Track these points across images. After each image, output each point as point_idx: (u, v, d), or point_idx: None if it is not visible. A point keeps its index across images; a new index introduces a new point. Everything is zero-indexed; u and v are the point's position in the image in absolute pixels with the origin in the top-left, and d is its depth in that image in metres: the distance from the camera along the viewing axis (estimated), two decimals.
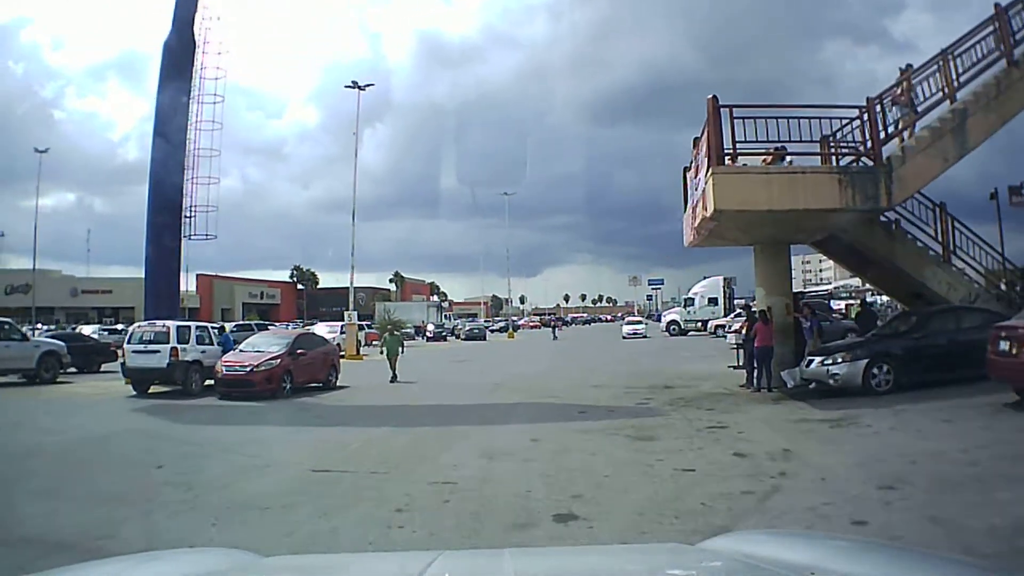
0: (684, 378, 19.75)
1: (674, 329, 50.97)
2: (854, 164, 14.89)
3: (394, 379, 21.56)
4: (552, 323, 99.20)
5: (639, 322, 54.45)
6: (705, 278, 51.59)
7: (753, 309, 18.79)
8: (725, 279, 51.11)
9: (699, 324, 49.79)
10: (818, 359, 14.74)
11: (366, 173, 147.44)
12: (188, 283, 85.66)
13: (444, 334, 63.26)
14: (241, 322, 55.33)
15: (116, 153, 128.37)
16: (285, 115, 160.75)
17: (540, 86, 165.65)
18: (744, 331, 18.53)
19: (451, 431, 12.38)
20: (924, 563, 2.06)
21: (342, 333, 36.79)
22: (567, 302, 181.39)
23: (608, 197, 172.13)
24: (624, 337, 47.73)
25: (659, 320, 62.88)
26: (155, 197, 22.32)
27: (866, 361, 14.07)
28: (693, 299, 50.66)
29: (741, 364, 18.58)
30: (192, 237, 26.69)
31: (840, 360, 14.34)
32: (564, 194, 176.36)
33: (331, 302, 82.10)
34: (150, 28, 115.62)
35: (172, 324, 18.93)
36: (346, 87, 36.65)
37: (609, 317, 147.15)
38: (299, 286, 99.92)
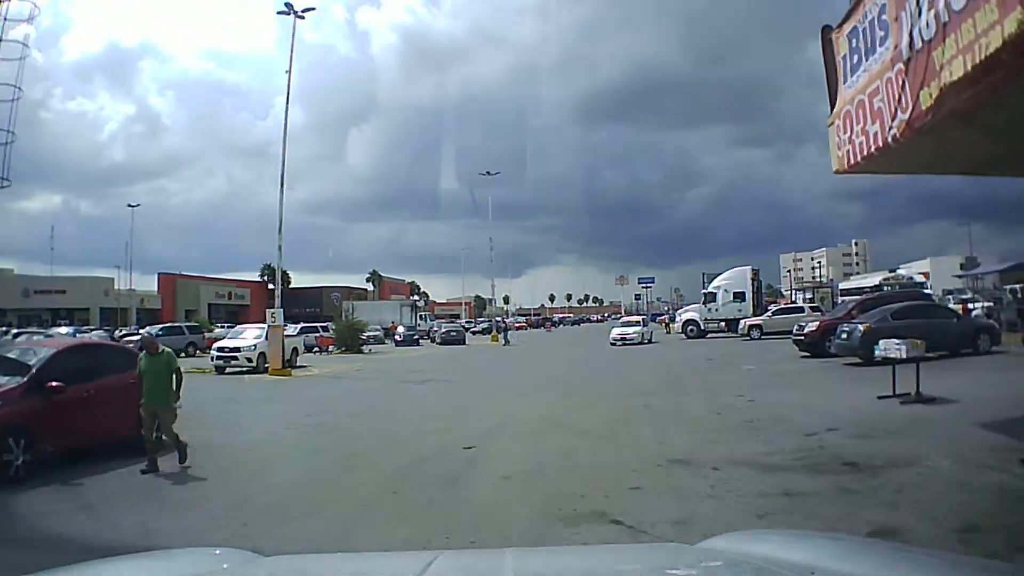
0: (844, 428, 10.31)
1: (692, 331, 41.61)
2: None
3: (181, 457, 9.37)
4: (539, 323, 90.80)
5: (634, 324, 41.89)
6: (730, 269, 42.29)
7: None
8: (753, 270, 41.86)
9: (722, 324, 40.57)
10: None
11: (351, 174, 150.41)
12: (149, 283, 77.81)
13: (416, 337, 53.45)
14: (169, 324, 46.31)
15: (102, 155, 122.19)
16: (270, 116, 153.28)
17: (526, 86, 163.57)
18: None
19: None
20: (924, 563, 2.04)
21: (265, 339, 27.08)
22: (552, 302, 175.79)
23: (593, 197, 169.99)
24: (612, 343, 37.38)
25: (654, 321, 53.74)
26: None
27: None
28: (715, 294, 41.22)
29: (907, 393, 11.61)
30: None
31: None
32: (549, 194, 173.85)
33: (304, 302, 77.86)
34: None
35: None
36: (279, 13, 27.03)
37: (598, 317, 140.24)
38: (270, 286, 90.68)
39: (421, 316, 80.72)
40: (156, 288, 77.59)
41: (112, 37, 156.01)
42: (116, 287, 69.68)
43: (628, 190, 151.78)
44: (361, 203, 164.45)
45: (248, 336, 28.12)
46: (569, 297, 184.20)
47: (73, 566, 2.26)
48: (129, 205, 71.48)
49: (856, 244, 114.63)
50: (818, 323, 23.15)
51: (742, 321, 36.53)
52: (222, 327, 50.16)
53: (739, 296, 40.50)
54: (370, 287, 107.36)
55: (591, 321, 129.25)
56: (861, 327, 19.39)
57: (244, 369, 26.10)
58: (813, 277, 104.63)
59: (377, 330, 51.45)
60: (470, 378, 23.42)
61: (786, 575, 1.77)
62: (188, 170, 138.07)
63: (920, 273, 47.90)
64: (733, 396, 14.73)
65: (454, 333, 52.55)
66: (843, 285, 44.37)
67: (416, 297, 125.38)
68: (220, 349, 27.46)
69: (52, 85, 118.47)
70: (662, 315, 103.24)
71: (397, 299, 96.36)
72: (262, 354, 26.23)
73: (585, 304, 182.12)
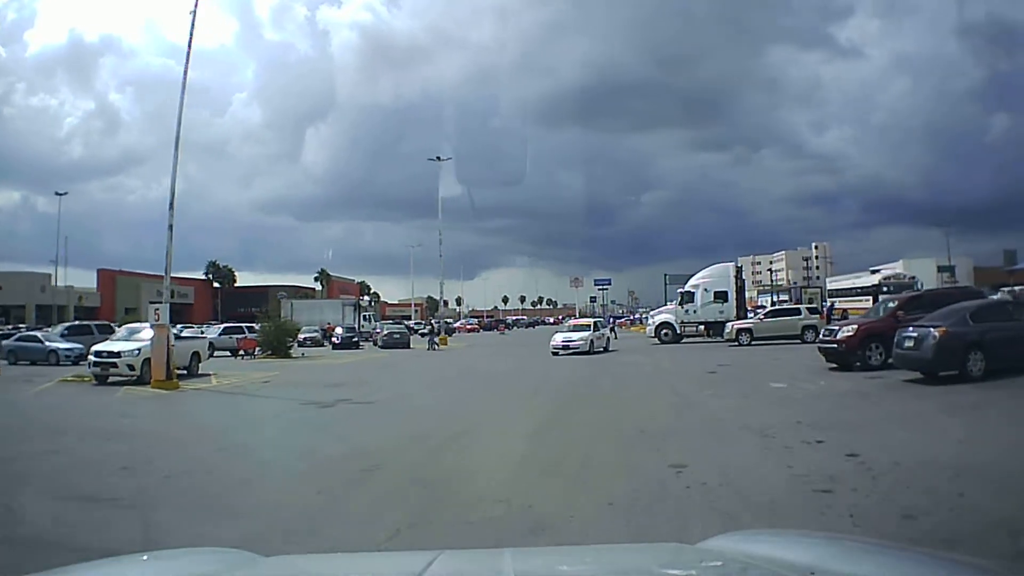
0: None
1: (667, 335, 36.07)
2: None
3: None
4: (492, 325, 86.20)
5: (582, 328, 32.28)
6: (709, 266, 36.87)
7: None
8: (736, 267, 36.58)
9: (700, 327, 35.19)
10: None
11: (307, 173, 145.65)
12: (88, 279, 73.08)
13: (356, 339, 47.05)
14: (77, 323, 39.64)
15: (61, 150, 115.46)
16: (227, 113, 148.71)
17: (483, 87, 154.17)
18: None
19: None
20: (924, 563, 2.04)
21: (147, 341, 20.84)
22: (506, 304, 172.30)
23: (549, 199, 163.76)
24: (554, 352, 29.61)
25: (612, 323, 48.27)
26: None
27: None
28: (692, 293, 35.73)
29: None
30: None
31: None
32: (504, 196, 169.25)
33: (249, 301, 74.49)
34: None
35: None
36: None
37: (553, 319, 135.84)
38: (215, 284, 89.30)
39: (365, 317, 74.63)
40: (96, 285, 74.00)
41: (76, 32, 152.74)
42: (54, 283, 65.21)
43: (584, 192, 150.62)
44: (317, 202, 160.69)
45: (138, 338, 22.00)
46: (523, 299, 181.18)
47: (73, 566, 2.27)
48: (57, 193, 66.29)
49: (816, 247, 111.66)
50: (856, 327, 17.70)
51: (728, 324, 31.19)
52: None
53: (721, 296, 35.16)
54: (318, 287, 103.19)
55: (546, 323, 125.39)
56: (935, 332, 13.97)
57: (125, 379, 20.39)
58: (772, 280, 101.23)
59: (314, 332, 46.87)
60: (392, 398, 17.27)
61: (786, 575, 1.75)
62: (145, 167, 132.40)
63: (901, 274, 43.87)
64: (800, 441, 9.01)
65: (397, 336, 46.05)
66: (832, 285, 39.38)
67: (366, 297, 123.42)
68: (98, 354, 21.51)
69: (15, 80, 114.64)
70: (621, 318, 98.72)
71: (347, 299, 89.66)
72: (148, 360, 20.30)
73: (539, 306, 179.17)
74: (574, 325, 34.66)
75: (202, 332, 39.92)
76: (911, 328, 14.82)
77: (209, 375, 23.36)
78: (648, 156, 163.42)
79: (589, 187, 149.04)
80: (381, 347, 44.10)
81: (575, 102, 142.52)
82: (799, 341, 29.31)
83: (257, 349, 34.91)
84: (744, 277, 37.27)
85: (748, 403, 12.91)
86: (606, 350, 31.28)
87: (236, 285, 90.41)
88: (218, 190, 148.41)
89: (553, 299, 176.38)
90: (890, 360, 16.75)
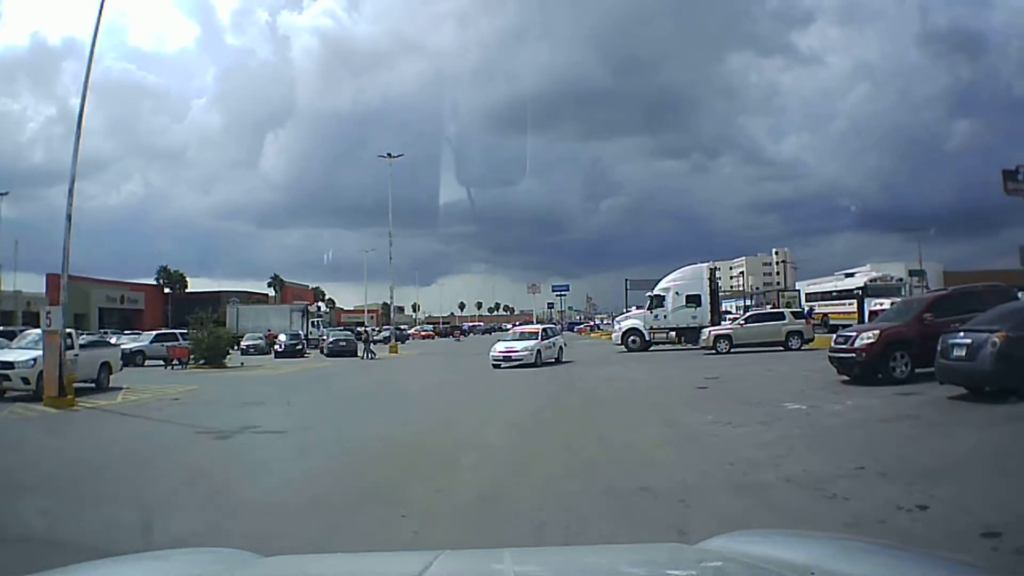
0: None
1: (635, 342, 32.82)
2: None
3: None
4: (447, 332, 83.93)
5: (528, 336, 27.19)
6: (681, 268, 33.70)
7: None
8: (710, 268, 33.56)
9: (672, 334, 32.11)
10: None
11: (266, 180, 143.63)
12: (37, 284, 65.75)
13: (300, 347, 43.04)
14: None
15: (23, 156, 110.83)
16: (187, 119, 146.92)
17: (443, 94, 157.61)
18: None
19: None
20: (924, 563, 2.02)
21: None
22: (462, 310, 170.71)
23: (506, 206, 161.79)
24: (495, 364, 25.17)
25: (571, 330, 44.83)
26: None
27: None
28: (662, 297, 32.55)
29: None
30: None
31: None
32: (462, 202, 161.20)
33: (201, 307, 66.16)
34: None
35: None
36: None
37: (510, 326, 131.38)
38: (166, 290, 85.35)
39: (314, 323, 70.75)
40: (44, 290, 66.75)
41: (38, 35, 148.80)
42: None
43: (542, 199, 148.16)
44: (276, 209, 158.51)
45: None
46: (480, 305, 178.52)
47: (73, 566, 2.23)
48: None
49: (777, 253, 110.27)
50: (877, 333, 14.58)
51: (705, 331, 28.05)
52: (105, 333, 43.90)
53: (693, 300, 32.07)
54: (272, 292, 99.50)
55: (503, 330, 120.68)
56: (995, 338, 10.89)
57: (21, 393, 17.40)
58: (731, 287, 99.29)
59: (258, 339, 45.10)
60: (307, 426, 13.40)
61: (786, 575, 1.73)
62: (105, 173, 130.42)
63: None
64: (893, 506, 5.74)
65: (343, 343, 42.16)
66: (808, 289, 36.67)
67: (320, 304, 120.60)
68: None
69: None
70: (581, 324, 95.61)
71: (295, 305, 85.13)
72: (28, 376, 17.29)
73: (496, 312, 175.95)
74: (520, 332, 28.35)
75: (126, 337, 36.26)
76: (961, 334, 11.70)
77: (119, 389, 19.97)
78: (606, 163, 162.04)
79: (547, 194, 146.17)
80: (327, 355, 40.65)
81: (534, 109, 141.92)
82: (782, 348, 26.37)
83: (190, 358, 31.35)
84: (719, 279, 34.30)
85: (771, 436, 9.56)
86: (558, 361, 27.00)
87: (188, 291, 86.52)
88: (177, 196, 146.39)
89: (511, 305, 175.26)
90: (917, 371, 13.99)
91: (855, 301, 32.55)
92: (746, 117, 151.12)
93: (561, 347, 28.36)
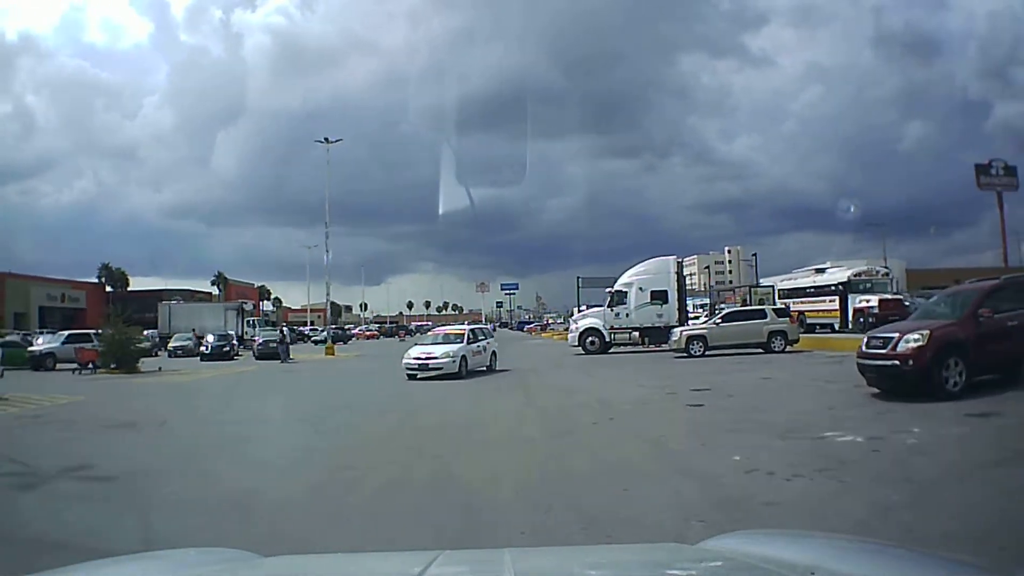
0: None
1: (593, 344, 29.09)
2: None
3: None
4: (392, 332, 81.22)
5: (452, 339, 21.33)
6: (645, 261, 30.00)
7: None
8: (677, 261, 30.04)
9: (635, 334, 28.55)
10: None
11: (217, 178, 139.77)
12: None
13: (228, 348, 38.45)
14: None
15: None
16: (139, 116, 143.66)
17: (393, 93, 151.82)
18: None
19: None
20: (924, 563, 1.98)
21: None
22: (411, 309, 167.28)
23: (457, 204, 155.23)
24: (409, 374, 19.76)
25: (520, 330, 40.78)
26: None
27: None
28: (624, 293, 28.94)
29: None
30: None
31: None
32: (410, 201, 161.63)
33: (143, 306, 64.93)
34: None
35: None
36: None
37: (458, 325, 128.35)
38: (108, 288, 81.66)
39: (250, 323, 65.84)
40: None
41: None
42: None
43: (491, 198, 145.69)
44: (226, 207, 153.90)
45: None
46: (428, 304, 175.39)
47: (73, 566, 2.22)
48: None
49: (729, 252, 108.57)
50: (927, 334, 11.04)
51: (676, 331, 24.45)
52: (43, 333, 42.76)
53: (659, 296, 28.54)
54: (215, 291, 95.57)
55: None
56: None
57: None
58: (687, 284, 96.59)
59: (187, 340, 41.62)
60: (159, 469, 9.04)
61: (786, 575, 1.69)
62: (58, 170, 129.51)
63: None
64: None
65: (273, 344, 37.57)
66: (781, 285, 33.44)
67: (269, 303, 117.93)
68: None
69: None
70: (531, 324, 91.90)
71: (230, 303, 79.84)
72: None
73: (444, 312, 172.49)
74: (443, 335, 22.50)
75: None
76: None
77: None
78: (557, 162, 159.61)
79: (496, 193, 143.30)
80: (257, 358, 36.36)
81: (483, 108, 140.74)
82: (762, 351, 22.99)
83: (99, 361, 27.58)
84: (685, 275, 30.80)
85: (855, 500, 5.85)
86: (491, 369, 21.88)
87: (129, 289, 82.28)
88: (128, 194, 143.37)
89: (459, 305, 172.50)
90: (974, 380, 10.92)
91: (837, 298, 29.44)
92: (697, 118, 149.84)
93: (494, 352, 22.71)
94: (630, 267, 29.88)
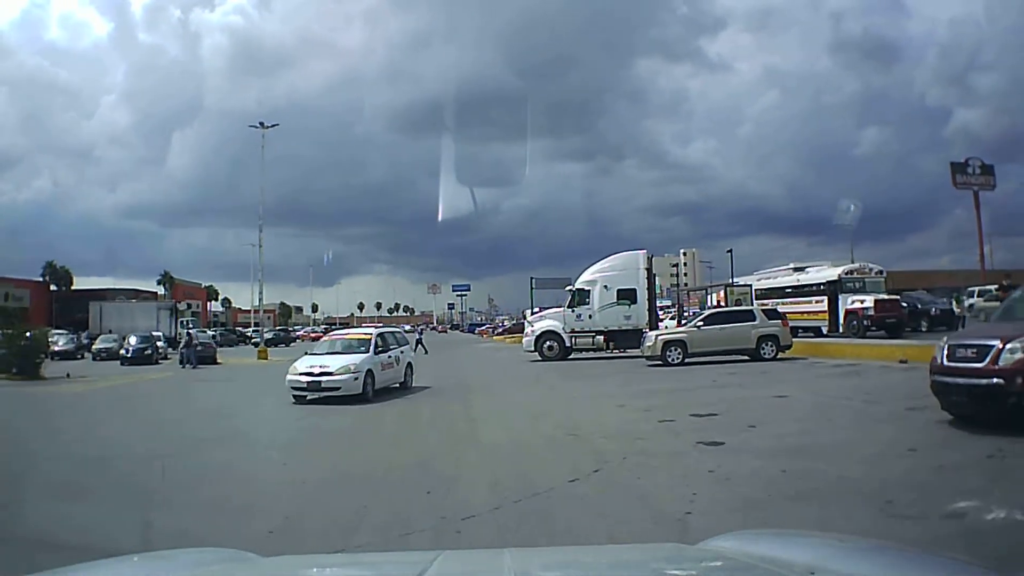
0: None
1: (552, 349, 25.31)
2: None
3: None
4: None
5: (355, 347, 15.77)
6: (611, 256, 26.38)
7: None
8: (648, 257, 26.49)
9: (599, 338, 24.92)
10: None
11: (172, 178, 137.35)
12: None
13: (151, 352, 33.70)
14: None
15: None
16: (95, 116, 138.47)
17: (348, 95, 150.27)
18: None
19: None
20: (924, 563, 1.98)
21: None
22: (362, 311, 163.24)
23: (409, 207, 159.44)
24: (295, 396, 14.51)
25: (471, 332, 36.72)
26: None
27: None
28: (587, 292, 25.30)
29: None
30: None
31: None
32: (364, 203, 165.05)
33: (87, 307, 63.53)
34: None
35: None
36: None
37: (410, 327, 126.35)
38: (52, 287, 77.22)
39: (183, 323, 61.89)
40: None
41: None
42: None
43: (445, 200, 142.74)
44: (181, 208, 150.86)
45: None
46: (379, 306, 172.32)
47: (73, 566, 2.17)
48: None
49: (684, 254, 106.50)
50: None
51: (650, 335, 20.80)
52: None
53: (627, 295, 24.96)
54: (161, 290, 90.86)
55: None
56: None
57: None
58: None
59: (112, 342, 37.40)
60: None
61: (786, 575, 1.67)
62: (14, 170, 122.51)
63: None
64: None
65: (199, 348, 32.97)
66: (758, 285, 30.26)
67: (218, 303, 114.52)
68: None
69: None
70: (483, 326, 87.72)
71: (163, 303, 74.74)
72: None
73: (396, 313, 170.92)
74: (342, 341, 16.72)
75: None
76: None
77: None
78: (510, 164, 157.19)
79: (450, 195, 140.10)
80: (121, 364, 32.19)
81: (438, 110, 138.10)
82: (749, 358, 19.63)
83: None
84: (655, 272, 27.20)
85: None
86: (405, 386, 16.54)
87: (74, 288, 77.85)
88: (83, 194, 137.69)
89: (410, 306, 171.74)
90: None
91: (825, 298, 26.25)
92: (653, 121, 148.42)
93: (410, 364, 17.20)
94: (593, 264, 26.26)
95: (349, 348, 15.82)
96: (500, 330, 70.26)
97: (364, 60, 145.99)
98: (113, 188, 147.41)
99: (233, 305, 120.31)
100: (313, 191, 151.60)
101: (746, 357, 19.71)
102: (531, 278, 34.87)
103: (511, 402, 14.32)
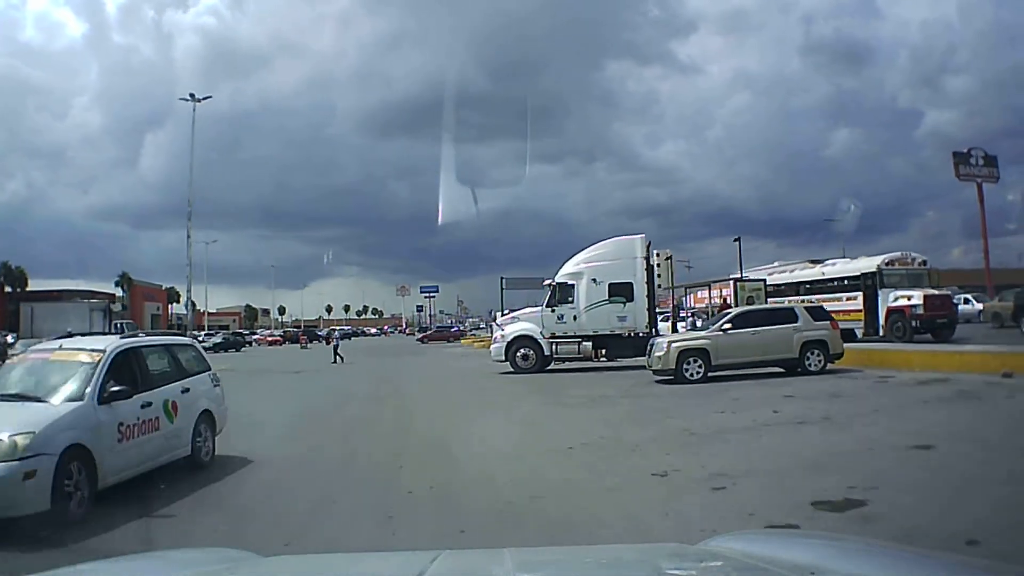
0: None
1: (526, 358, 20.16)
2: None
3: None
4: (297, 337, 74.25)
5: (46, 387, 6.59)
6: (599, 242, 21.39)
7: None
8: (646, 242, 21.45)
9: (586, 344, 19.84)
10: None
11: (143, 180, 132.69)
12: None
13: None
14: None
15: None
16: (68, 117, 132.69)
17: (319, 96, 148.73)
18: None
19: None
20: (924, 563, 1.90)
21: None
22: (330, 314, 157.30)
23: (379, 209, 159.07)
24: None
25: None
26: None
27: None
28: (570, 286, 20.29)
29: None
30: None
31: None
32: (334, 205, 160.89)
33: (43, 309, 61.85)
34: None
35: None
36: None
37: (375, 330, 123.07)
38: (7, 288, 72.98)
39: (117, 326, 57.85)
40: None
41: None
42: None
43: (413, 202, 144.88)
44: (153, 210, 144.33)
45: None
46: (347, 308, 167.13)
47: (73, 566, 2.15)
48: None
49: (658, 255, 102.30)
50: None
51: (660, 342, 15.73)
52: None
53: (621, 291, 19.97)
54: (120, 292, 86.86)
55: (366, 335, 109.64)
56: None
57: None
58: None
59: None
60: None
61: (786, 575, 1.64)
62: None
63: None
64: None
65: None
66: (772, 279, 25.59)
67: (181, 305, 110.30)
68: None
69: None
70: (453, 327, 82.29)
71: (95, 303, 69.98)
72: None
73: (364, 316, 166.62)
74: (44, 362, 7.15)
75: None
76: None
77: None
78: (479, 166, 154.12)
79: (419, 197, 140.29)
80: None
81: (408, 113, 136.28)
82: (785, 371, 14.86)
83: None
84: (658, 261, 22.27)
85: None
86: (198, 462, 7.96)
87: (28, 289, 73.38)
88: (55, 195, 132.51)
89: (380, 309, 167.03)
90: None
91: (860, 294, 21.45)
92: (623, 124, 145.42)
93: (208, 412, 8.41)
94: (578, 252, 21.24)
95: (41, 385, 6.74)
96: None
97: (334, 63, 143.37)
98: (85, 190, 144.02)
99: (197, 308, 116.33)
100: (285, 192, 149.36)
101: (780, 369, 14.94)
102: (501, 278, 30.08)
103: (465, 452, 8.78)
